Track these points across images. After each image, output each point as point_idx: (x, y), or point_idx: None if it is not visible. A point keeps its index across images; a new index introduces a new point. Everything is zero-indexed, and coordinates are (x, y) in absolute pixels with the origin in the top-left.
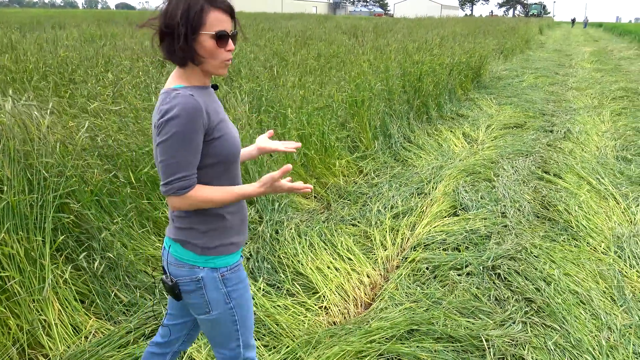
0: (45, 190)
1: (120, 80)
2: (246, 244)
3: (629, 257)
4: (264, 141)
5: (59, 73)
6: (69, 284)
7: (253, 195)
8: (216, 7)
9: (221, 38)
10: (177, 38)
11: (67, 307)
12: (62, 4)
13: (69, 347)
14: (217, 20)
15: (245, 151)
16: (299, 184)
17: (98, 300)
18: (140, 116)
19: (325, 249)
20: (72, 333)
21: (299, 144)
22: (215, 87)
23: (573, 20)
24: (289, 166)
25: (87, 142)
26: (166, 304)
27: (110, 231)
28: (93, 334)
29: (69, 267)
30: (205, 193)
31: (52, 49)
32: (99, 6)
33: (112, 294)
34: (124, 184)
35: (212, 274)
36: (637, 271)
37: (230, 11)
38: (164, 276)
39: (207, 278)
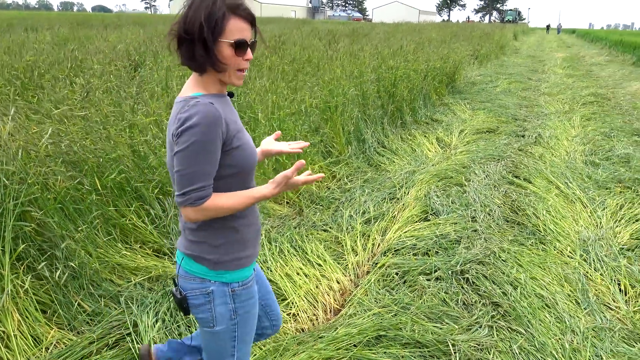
0: (5, 198)
1: (89, 84)
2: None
3: (593, 261)
4: (268, 144)
5: (26, 77)
6: (30, 293)
7: (269, 197)
8: (237, 15)
9: (240, 46)
10: (198, 44)
11: (27, 317)
12: (36, 6)
13: (28, 359)
14: (237, 28)
15: None
16: (307, 173)
17: (60, 310)
18: (109, 121)
19: (295, 255)
20: (33, 344)
21: (307, 143)
22: (231, 94)
23: (548, 27)
24: (302, 162)
25: (52, 148)
26: (131, 313)
27: (75, 239)
28: (54, 345)
29: (29, 277)
30: (222, 201)
31: (18, 52)
32: (75, 8)
33: (76, 304)
34: (90, 191)
35: (222, 288)
36: (601, 274)
37: (251, 19)
38: (174, 289)
39: (218, 292)
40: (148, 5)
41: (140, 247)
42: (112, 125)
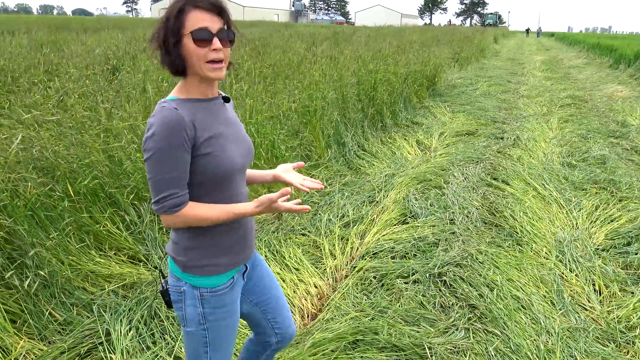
0: None
1: (64, 89)
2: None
3: (569, 262)
4: (283, 171)
5: None
6: None
7: (249, 215)
8: (196, 7)
9: (199, 37)
10: (165, 45)
11: None
12: (15, 10)
13: None
14: (196, 20)
15: (258, 173)
16: (295, 202)
17: (30, 320)
18: (84, 126)
19: (273, 260)
20: (1, 355)
21: (321, 186)
22: (226, 99)
23: (527, 30)
24: (288, 190)
25: (22, 154)
26: (104, 322)
27: (46, 247)
28: (24, 356)
29: None
30: (200, 211)
31: None
32: (55, 12)
33: (47, 313)
34: (62, 198)
35: (192, 291)
36: (576, 275)
37: (214, 9)
38: (162, 280)
39: (188, 293)
40: (129, 9)
41: (114, 254)
42: (87, 130)
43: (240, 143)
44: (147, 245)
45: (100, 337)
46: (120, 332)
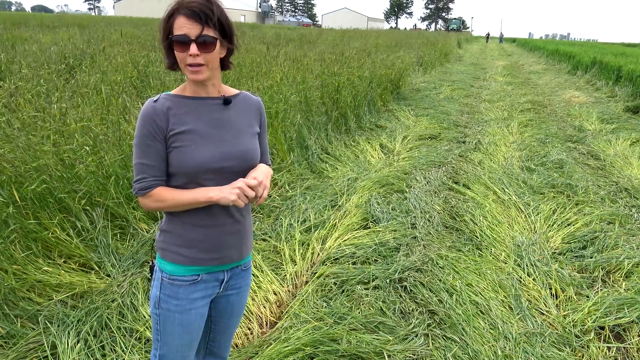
0: None
1: (12, 88)
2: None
3: (526, 266)
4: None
5: None
6: None
7: (203, 198)
8: (180, 13)
9: (177, 42)
10: (162, 44)
11: None
12: None
13: None
14: (178, 26)
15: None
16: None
17: None
18: (34, 128)
19: None
20: None
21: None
22: (227, 101)
23: (487, 36)
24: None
25: None
26: (50, 334)
27: None
28: None
29: None
30: (164, 194)
31: None
32: (13, 8)
33: None
34: (7, 203)
35: (159, 272)
36: (533, 279)
37: (195, 16)
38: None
39: (157, 273)
40: (92, 7)
41: (64, 261)
42: (37, 132)
43: (221, 145)
44: (99, 253)
45: (45, 351)
46: (67, 345)
